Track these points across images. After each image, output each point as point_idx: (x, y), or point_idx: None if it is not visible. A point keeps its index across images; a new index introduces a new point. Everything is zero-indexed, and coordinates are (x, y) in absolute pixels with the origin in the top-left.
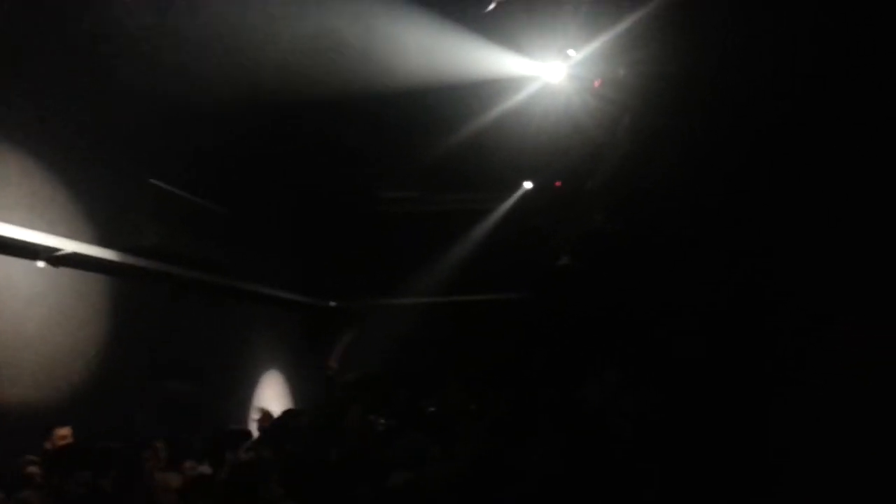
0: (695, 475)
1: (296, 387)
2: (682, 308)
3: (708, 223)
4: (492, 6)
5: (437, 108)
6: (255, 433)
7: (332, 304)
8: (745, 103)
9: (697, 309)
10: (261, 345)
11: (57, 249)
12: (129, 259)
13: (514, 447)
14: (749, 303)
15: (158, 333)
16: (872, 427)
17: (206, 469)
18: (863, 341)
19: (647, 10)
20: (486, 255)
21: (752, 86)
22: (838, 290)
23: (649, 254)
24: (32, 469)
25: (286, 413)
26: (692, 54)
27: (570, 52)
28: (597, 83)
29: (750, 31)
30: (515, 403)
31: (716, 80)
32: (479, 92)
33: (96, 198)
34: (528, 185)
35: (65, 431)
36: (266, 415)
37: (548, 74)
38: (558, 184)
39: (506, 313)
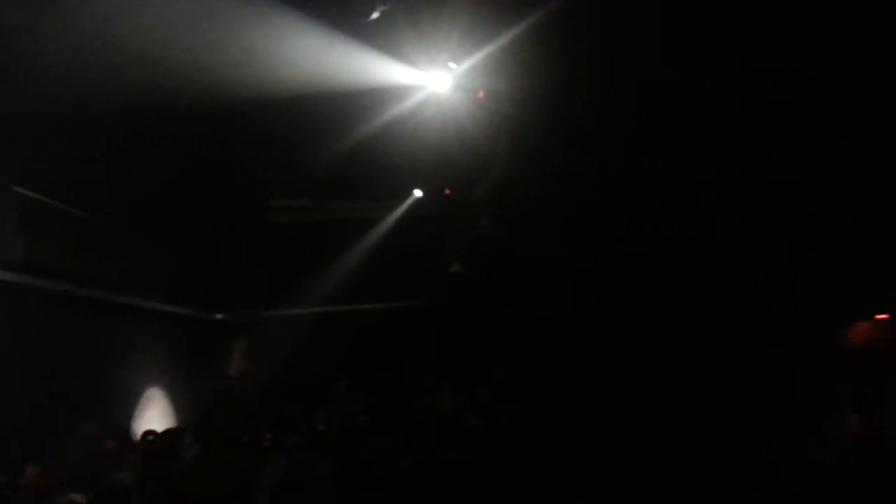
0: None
1: (180, 404)
2: (562, 312)
3: (587, 229)
4: (376, 15)
5: (326, 116)
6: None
7: (219, 316)
8: (616, 117)
9: (576, 313)
10: (140, 361)
11: None
12: None
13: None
14: (628, 306)
15: (24, 352)
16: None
17: (78, 497)
18: (728, 343)
19: (524, 26)
20: (379, 263)
21: (623, 101)
22: (715, 290)
23: (534, 259)
24: None
25: (167, 433)
26: (565, 70)
27: (451, 64)
28: (480, 94)
29: (619, 52)
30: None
31: (587, 96)
32: (367, 100)
33: None
34: (418, 193)
35: None
36: (146, 435)
37: (433, 84)
38: (448, 192)
39: (401, 321)
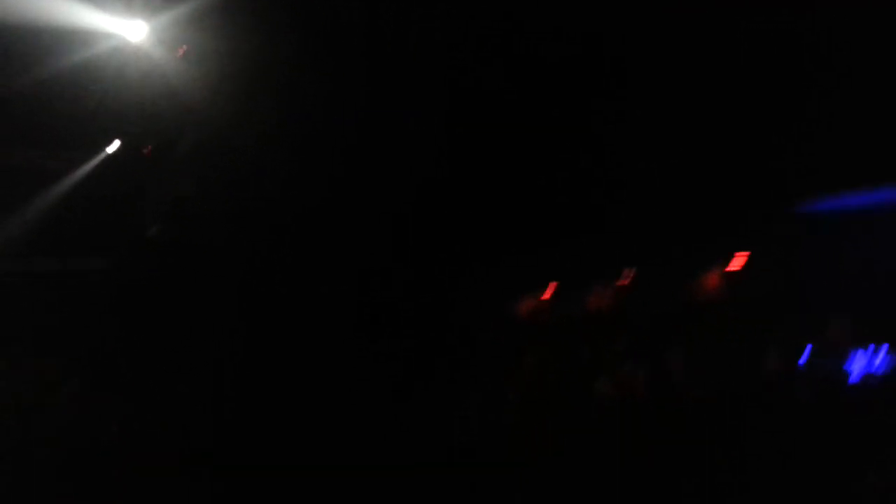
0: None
1: None
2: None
3: (293, 195)
4: None
5: (7, 53)
6: None
7: None
8: (319, 88)
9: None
10: None
11: None
12: None
13: None
14: (323, 274)
15: None
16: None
17: None
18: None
19: None
20: (60, 219)
21: (322, 75)
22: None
23: (236, 223)
24: None
25: None
26: (265, 36)
27: (146, 15)
28: (181, 50)
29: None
30: None
31: (291, 61)
32: (53, 41)
33: None
34: (112, 147)
35: None
36: None
37: (129, 34)
38: (147, 148)
39: (84, 285)
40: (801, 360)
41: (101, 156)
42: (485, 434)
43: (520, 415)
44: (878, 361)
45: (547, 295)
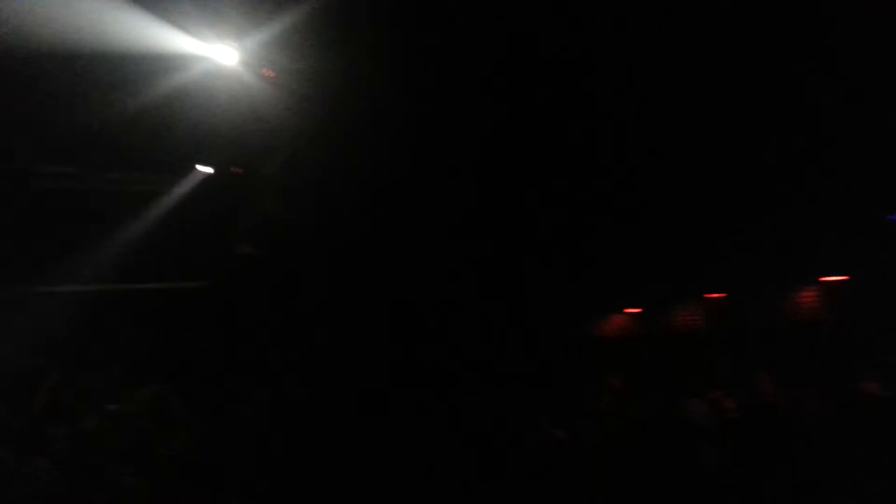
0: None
1: None
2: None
3: (367, 217)
4: None
5: (104, 81)
6: None
7: None
8: (398, 110)
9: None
10: None
11: None
12: None
13: None
14: (405, 289)
15: None
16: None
17: None
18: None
19: (310, 11)
20: (158, 240)
21: (404, 95)
22: (481, 292)
23: (321, 244)
24: None
25: None
26: (348, 60)
27: (234, 41)
28: (267, 72)
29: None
30: None
31: (371, 86)
32: (149, 68)
33: None
34: (203, 169)
35: None
36: None
37: (219, 57)
38: (236, 170)
39: (181, 302)
40: None
41: (194, 178)
42: (571, 453)
43: (606, 436)
44: None
45: (634, 315)
